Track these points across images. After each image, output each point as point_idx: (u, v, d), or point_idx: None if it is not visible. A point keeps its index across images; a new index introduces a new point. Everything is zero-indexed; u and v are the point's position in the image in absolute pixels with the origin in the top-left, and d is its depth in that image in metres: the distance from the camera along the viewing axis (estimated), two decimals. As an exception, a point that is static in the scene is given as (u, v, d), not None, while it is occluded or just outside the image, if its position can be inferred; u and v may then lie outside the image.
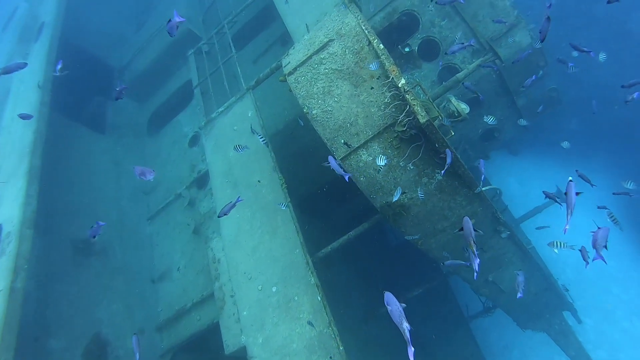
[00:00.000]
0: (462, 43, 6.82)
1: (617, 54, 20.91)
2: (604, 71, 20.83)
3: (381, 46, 5.77)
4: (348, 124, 6.01)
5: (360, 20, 6.26)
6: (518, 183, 20.26)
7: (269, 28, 12.39)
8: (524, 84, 9.03)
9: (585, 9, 21.85)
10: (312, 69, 6.49)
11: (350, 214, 10.64)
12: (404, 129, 5.53)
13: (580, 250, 5.67)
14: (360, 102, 5.97)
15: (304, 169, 9.79)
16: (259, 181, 7.95)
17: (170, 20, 5.49)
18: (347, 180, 5.65)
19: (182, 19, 5.60)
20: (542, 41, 4.51)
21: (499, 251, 7.61)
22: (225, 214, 6.04)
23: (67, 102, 11.35)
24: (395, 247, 12.95)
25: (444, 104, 6.77)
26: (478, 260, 4.58)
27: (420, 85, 6.25)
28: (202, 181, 10.47)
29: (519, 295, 6.54)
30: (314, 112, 6.24)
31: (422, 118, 4.89)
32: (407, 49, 9.88)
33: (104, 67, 13.39)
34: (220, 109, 9.32)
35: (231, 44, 10.42)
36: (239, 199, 6.16)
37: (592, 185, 6.84)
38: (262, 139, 7.08)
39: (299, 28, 8.67)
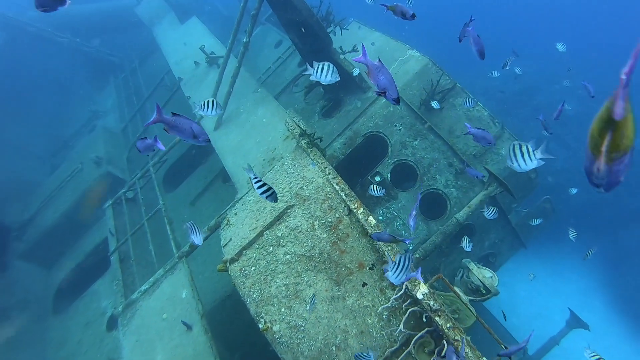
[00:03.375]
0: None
1: (561, 138, 21.45)
2: (561, 162, 21.02)
3: (371, 220, 3.72)
4: (333, 347, 3.69)
5: (331, 177, 4.26)
6: (505, 291, 18.88)
7: (206, 162, 10.43)
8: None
9: (526, 100, 22.66)
10: (265, 253, 4.27)
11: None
12: (434, 353, 3.29)
13: None
14: (348, 309, 3.73)
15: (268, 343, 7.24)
16: (201, 408, 5.26)
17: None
18: None
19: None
20: None
21: None
22: None
23: None
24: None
25: (460, 275, 4.69)
26: None
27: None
28: (124, 386, 7.45)
29: None
30: (275, 328, 3.90)
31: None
32: (377, 178, 8.09)
33: (-4, 228, 10.59)
34: (143, 287, 6.78)
35: (158, 193, 8.24)
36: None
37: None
38: None
39: (241, 171, 6.70)
